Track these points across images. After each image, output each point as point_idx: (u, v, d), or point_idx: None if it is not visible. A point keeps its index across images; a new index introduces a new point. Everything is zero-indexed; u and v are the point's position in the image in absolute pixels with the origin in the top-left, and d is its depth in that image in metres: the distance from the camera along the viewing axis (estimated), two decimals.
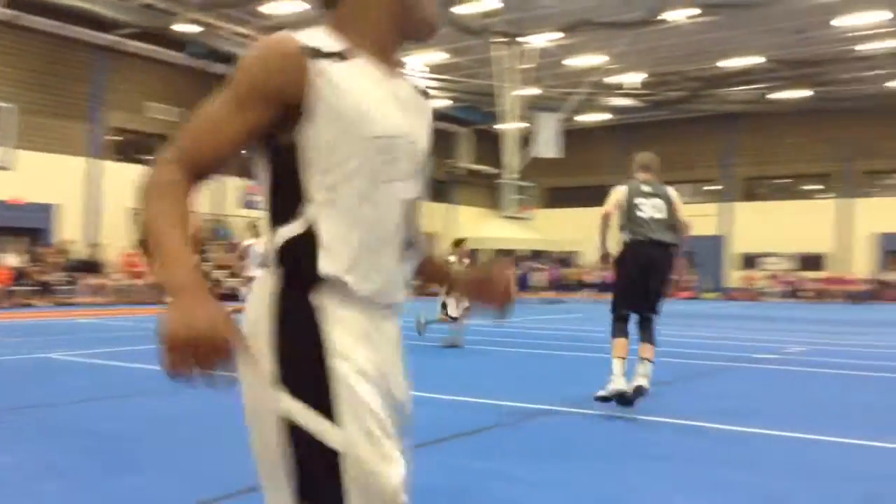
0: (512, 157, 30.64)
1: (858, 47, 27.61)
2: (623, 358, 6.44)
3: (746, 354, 11.07)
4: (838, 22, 24.61)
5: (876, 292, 32.00)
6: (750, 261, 36.74)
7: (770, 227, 35.67)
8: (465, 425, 5.76)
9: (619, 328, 6.59)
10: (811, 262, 33.65)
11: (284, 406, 1.48)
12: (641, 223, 6.47)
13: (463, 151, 40.60)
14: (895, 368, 9.84)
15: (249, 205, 26.68)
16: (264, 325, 1.53)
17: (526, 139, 31.74)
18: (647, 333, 6.60)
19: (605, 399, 6.33)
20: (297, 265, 1.53)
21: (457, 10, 23.78)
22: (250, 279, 11.64)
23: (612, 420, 6.20)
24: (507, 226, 36.06)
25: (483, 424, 5.83)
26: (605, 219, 6.54)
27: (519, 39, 27.00)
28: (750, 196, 37.76)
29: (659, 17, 23.96)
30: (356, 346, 1.53)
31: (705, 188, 39.21)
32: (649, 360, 6.46)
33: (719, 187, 38.38)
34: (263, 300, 1.55)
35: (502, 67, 28.67)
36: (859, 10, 23.50)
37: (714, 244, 37.72)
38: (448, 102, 33.70)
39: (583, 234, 40.21)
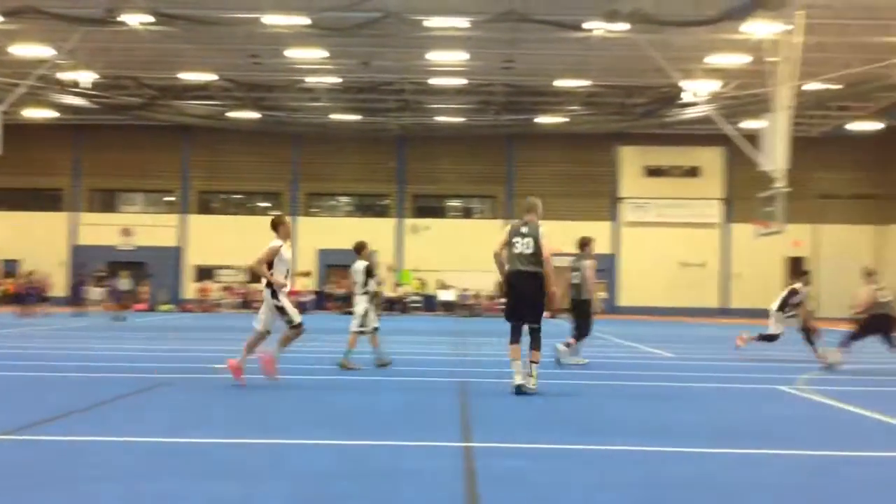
0: None
1: (308, 79, 30.26)
2: (515, 359, 8.44)
3: (201, 365, 11.07)
4: (290, 53, 26.56)
5: (320, 303, 35.25)
6: (205, 273, 37.41)
7: (224, 241, 36.63)
8: None
9: (512, 337, 8.59)
10: None
11: None
12: (514, 258, 8.55)
13: None
14: (310, 371, 10.87)
15: None
16: None
17: None
18: (533, 341, 8.54)
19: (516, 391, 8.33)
20: None
21: None
22: None
23: (60, 443, 5.72)
24: None
25: None
26: (498, 255, 8.60)
27: None
28: (205, 209, 38.52)
29: (113, 18, 22.83)
30: None
31: (165, 199, 38.78)
32: (535, 363, 8.50)
33: (177, 199, 38.33)
34: None
35: None
36: (304, 45, 25.69)
37: (172, 256, 37.52)
38: None
39: (27, 240, 36.29)
